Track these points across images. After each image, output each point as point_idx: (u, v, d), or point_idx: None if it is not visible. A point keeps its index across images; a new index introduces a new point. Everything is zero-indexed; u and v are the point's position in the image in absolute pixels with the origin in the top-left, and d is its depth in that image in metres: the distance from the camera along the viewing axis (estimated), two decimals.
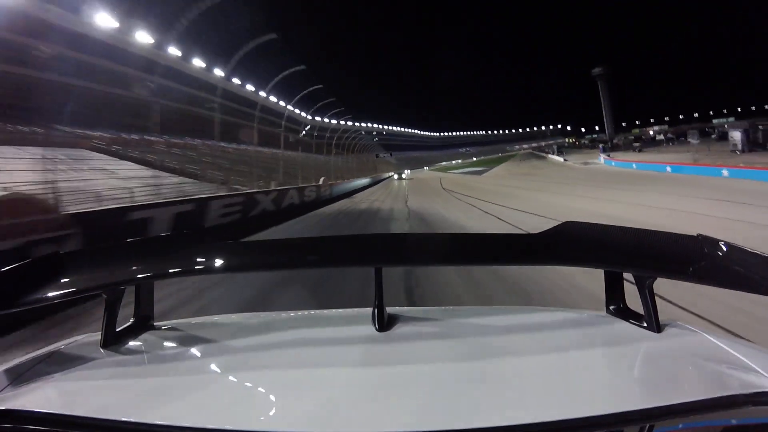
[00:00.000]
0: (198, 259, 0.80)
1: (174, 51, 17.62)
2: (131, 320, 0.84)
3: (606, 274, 0.84)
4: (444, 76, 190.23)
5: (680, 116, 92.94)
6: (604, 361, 0.71)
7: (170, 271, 0.79)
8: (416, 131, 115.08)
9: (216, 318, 0.99)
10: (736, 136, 24.97)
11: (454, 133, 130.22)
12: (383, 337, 0.77)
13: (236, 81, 22.84)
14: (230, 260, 0.84)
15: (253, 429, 0.50)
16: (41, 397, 0.59)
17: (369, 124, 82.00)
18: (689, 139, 30.98)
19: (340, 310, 1.01)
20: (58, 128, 13.22)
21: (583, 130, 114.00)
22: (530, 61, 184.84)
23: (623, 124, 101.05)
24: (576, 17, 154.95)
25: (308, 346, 0.77)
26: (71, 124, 14.24)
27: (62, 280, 0.71)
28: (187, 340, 0.82)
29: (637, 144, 35.33)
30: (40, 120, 12.27)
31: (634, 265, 0.77)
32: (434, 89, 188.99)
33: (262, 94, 25.03)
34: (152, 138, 17.18)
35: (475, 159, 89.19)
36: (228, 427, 0.51)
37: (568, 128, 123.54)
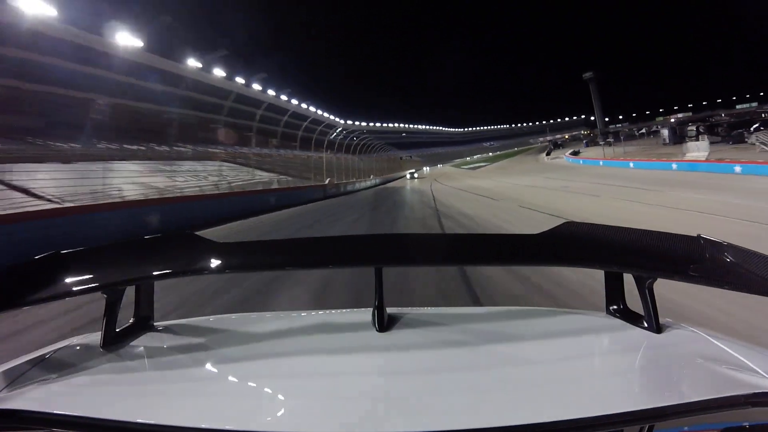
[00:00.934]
0: (198, 259, 0.81)
1: (256, 87, 29.08)
2: (131, 320, 0.84)
3: (606, 274, 0.86)
4: (467, 71, 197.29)
5: (703, 103, 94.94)
6: (604, 362, 0.72)
7: (170, 271, 0.79)
8: (441, 128, 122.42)
9: (216, 318, 1.00)
10: (664, 132, 33.16)
11: (478, 128, 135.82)
12: (383, 338, 0.77)
13: (294, 101, 33.45)
14: (230, 260, 0.85)
15: (253, 429, 0.51)
16: (41, 397, 0.59)
17: (396, 125, 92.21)
18: (662, 133, 37.30)
19: (341, 311, 1.03)
20: (203, 149, 24.47)
21: (606, 119, 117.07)
22: (548, 53, 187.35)
23: (647, 112, 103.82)
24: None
25: (308, 347, 0.77)
26: (206, 144, 25.46)
27: (62, 280, 0.71)
28: (187, 340, 0.82)
29: (610, 140, 42.14)
30: (195, 142, 23.68)
31: (634, 266, 0.77)
32: (458, 86, 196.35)
33: (312, 108, 35.74)
34: (253, 151, 28.36)
35: (490, 154, 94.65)
36: (228, 427, 0.51)
37: (592, 118, 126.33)
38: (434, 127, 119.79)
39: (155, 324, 0.88)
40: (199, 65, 23.10)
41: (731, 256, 0.72)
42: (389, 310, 0.86)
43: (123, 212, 10.69)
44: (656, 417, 0.52)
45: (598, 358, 0.74)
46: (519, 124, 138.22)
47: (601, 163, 30.34)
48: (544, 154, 57.86)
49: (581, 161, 35.49)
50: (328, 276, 3.97)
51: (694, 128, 30.55)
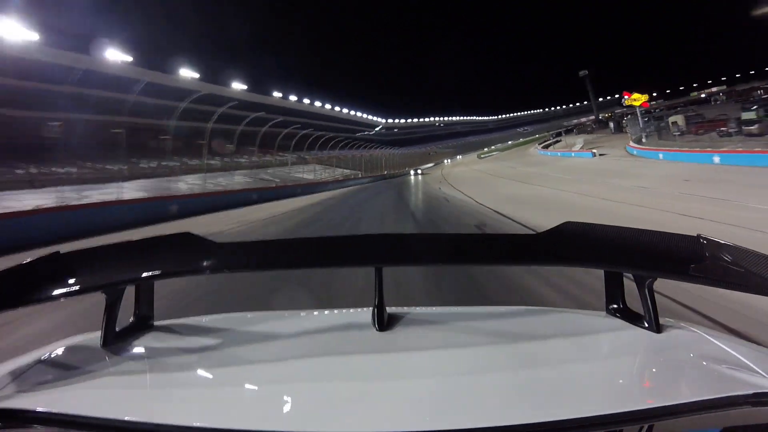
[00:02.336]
0: (198, 259, 0.82)
1: (328, 106, 48.59)
2: (131, 320, 0.85)
3: (606, 274, 0.87)
4: (497, 61, 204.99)
5: (736, 75, 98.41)
6: (604, 361, 0.72)
7: (170, 271, 0.80)
8: (476, 117, 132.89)
9: (216, 318, 1.01)
10: (611, 124, 46.48)
11: (513, 114, 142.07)
12: (383, 337, 0.78)
13: (358, 113, 51.45)
14: (230, 260, 0.87)
15: (253, 429, 0.51)
16: (41, 397, 0.60)
17: (432, 118, 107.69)
18: (609, 125, 46.01)
19: (341, 310, 1.05)
20: (297, 155, 42.76)
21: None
22: (579, 32, 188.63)
23: (680, 88, 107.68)
24: None
25: (308, 346, 0.78)
26: (299, 151, 43.70)
27: (62, 280, 0.72)
28: (187, 340, 0.84)
29: (591, 128, 54.61)
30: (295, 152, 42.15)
31: (634, 265, 0.78)
32: (489, 74, 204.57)
33: (358, 114, 54.00)
34: (329, 155, 46.49)
35: (510, 143, 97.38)
36: (228, 427, 0.51)
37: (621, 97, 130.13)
38: (468, 117, 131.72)
39: (155, 324, 0.88)
40: (295, 97, 41.70)
41: (731, 256, 0.72)
42: (389, 309, 0.87)
43: (289, 189, 26.99)
44: (656, 417, 0.52)
45: (598, 358, 0.74)
46: (553, 107, 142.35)
47: (549, 153, 40.72)
48: (537, 145, 58.63)
49: (548, 153, 42.86)
50: (331, 276, 4.03)
51: (624, 120, 42.20)
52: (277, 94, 44.58)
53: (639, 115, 30.30)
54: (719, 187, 10.93)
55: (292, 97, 43.77)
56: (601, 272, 0.88)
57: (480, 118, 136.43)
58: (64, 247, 0.80)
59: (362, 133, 77.76)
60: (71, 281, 0.72)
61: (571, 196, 13.31)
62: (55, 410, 0.55)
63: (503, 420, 0.51)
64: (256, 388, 0.66)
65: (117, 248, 0.85)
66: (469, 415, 0.54)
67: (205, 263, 0.82)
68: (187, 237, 0.85)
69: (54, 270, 0.74)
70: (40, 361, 0.72)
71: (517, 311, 0.99)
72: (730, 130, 21.18)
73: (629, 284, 0.83)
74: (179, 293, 4.10)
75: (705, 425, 0.55)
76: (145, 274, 0.79)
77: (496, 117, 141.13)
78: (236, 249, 0.90)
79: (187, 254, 0.85)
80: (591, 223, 0.85)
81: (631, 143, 26.28)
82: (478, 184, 22.15)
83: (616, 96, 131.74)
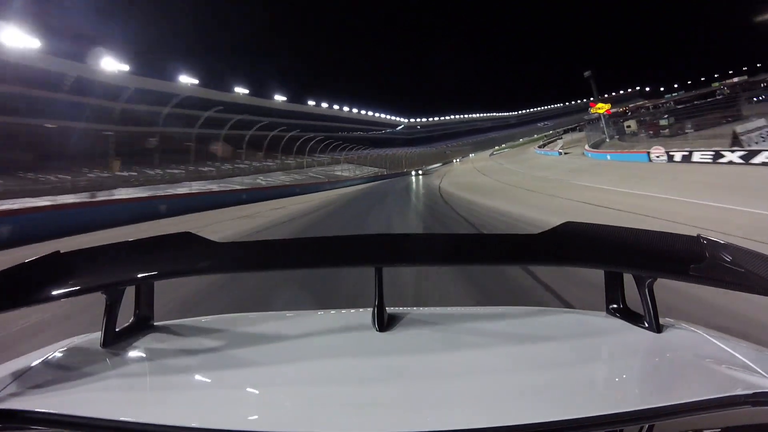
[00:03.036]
0: (198, 259, 0.83)
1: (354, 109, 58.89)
2: (131, 320, 0.86)
3: (606, 274, 0.87)
4: (516, 55, 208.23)
5: (758, 65, 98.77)
6: (604, 361, 0.73)
7: (170, 271, 0.80)
8: (495, 114, 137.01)
9: (216, 318, 1.02)
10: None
11: (534, 109, 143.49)
12: (383, 338, 0.78)
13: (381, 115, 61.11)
14: (230, 260, 0.87)
15: (252, 429, 0.52)
16: (41, 397, 0.60)
17: (452, 116, 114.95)
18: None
19: (341, 311, 1.05)
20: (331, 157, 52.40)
21: (662, 89, 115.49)
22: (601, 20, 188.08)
23: (701, 78, 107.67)
24: None
25: (309, 346, 0.79)
26: (335, 153, 53.29)
27: (62, 280, 0.72)
28: (187, 340, 0.84)
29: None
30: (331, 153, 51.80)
31: (634, 266, 0.78)
32: (509, 68, 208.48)
33: (384, 115, 64.32)
34: (359, 154, 55.81)
35: (522, 140, 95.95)
36: (228, 427, 0.52)
37: (647, 89, 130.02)
38: (489, 114, 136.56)
39: (155, 324, 0.88)
40: (335, 106, 51.78)
41: (731, 256, 0.73)
42: (389, 310, 0.87)
43: (327, 185, 36.02)
44: (656, 417, 0.52)
45: (598, 358, 0.75)
46: (575, 101, 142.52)
47: (538, 151, 43.87)
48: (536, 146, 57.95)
49: (538, 151, 44.74)
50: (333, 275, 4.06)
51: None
52: (311, 103, 54.94)
53: (603, 120, 34.35)
54: (594, 176, 16.49)
55: (324, 104, 54.63)
56: (600, 271, 0.87)
57: (501, 114, 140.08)
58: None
59: (385, 132, 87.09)
60: (71, 281, 0.73)
61: (491, 182, 21.54)
62: (55, 411, 0.56)
63: (503, 420, 0.52)
64: (256, 388, 0.65)
65: (117, 248, 0.86)
66: (470, 415, 0.54)
67: (205, 263, 0.83)
68: (187, 237, 0.85)
69: (54, 270, 0.74)
70: (40, 362, 0.72)
71: (517, 311, 0.99)
72: (652, 133, 26.32)
73: (629, 284, 0.83)
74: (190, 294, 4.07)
75: (705, 425, 0.55)
76: (145, 274, 0.79)
77: (516, 112, 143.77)
78: (236, 249, 0.91)
79: (187, 254, 0.85)
80: (591, 223, 0.86)
81: (587, 146, 30.12)
82: (462, 174, 31.35)
83: (637, 88, 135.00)
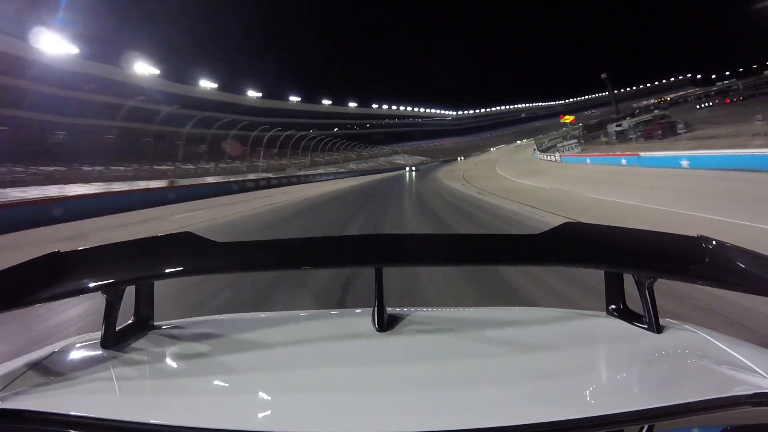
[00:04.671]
0: (198, 259, 0.84)
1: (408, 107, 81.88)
2: (131, 320, 0.86)
3: (606, 274, 0.88)
4: (563, 45, 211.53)
5: None
6: (604, 361, 0.74)
7: (170, 271, 0.81)
8: (540, 103, 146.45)
9: (216, 318, 1.04)
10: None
11: (582, 98, 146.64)
12: (384, 338, 0.79)
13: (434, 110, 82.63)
14: (230, 260, 0.88)
15: (252, 429, 0.53)
16: (41, 397, 0.61)
17: (499, 108, 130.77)
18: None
19: (341, 310, 1.07)
20: (390, 149, 74.29)
21: (713, 76, 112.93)
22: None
23: (754, 66, 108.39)
24: None
25: (309, 346, 0.80)
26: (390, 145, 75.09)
27: (62, 280, 0.73)
28: (187, 340, 0.85)
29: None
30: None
31: (634, 266, 0.79)
32: (559, 58, 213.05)
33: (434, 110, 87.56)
34: (411, 146, 77.35)
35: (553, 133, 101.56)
36: (228, 427, 0.52)
37: (698, 76, 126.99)
38: (535, 104, 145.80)
39: (155, 324, 0.90)
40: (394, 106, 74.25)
41: (731, 256, 0.74)
42: (389, 310, 0.88)
43: (396, 167, 57.53)
44: (656, 417, 0.53)
45: (598, 358, 0.75)
46: (622, 89, 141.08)
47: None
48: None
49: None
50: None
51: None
52: (374, 105, 76.98)
53: (579, 130, 39.54)
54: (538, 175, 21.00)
55: (383, 105, 76.94)
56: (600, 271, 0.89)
57: (547, 103, 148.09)
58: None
59: (435, 125, 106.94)
60: (71, 281, 0.73)
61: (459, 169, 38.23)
62: (55, 410, 0.56)
63: (504, 420, 0.52)
64: (255, 388, 0.66)
65: (117, 248, 0.86)
66: (470, 415, 0.55)
67: (205, 263, 0.84)
68: (187, 237, 0.86)
69: (54, 270, 0.75)
70: (40, 362, 0.73)
71: (517, 312, 1.00)
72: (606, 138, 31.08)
73: (629, 284, 0.84)
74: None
75: (705, 425, 0.56)
76: (145, 274, 0.81)
77: (564, 101, 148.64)
78: (236, 249, 0.91)
79: (187, 254, 0.86)
80: (591, 224, 0.88)
81: (537, 152, 36.52)
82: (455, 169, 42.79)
83: (680, 77, 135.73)
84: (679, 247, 0.80)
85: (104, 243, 0.86)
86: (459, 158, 69.33)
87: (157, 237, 0.88)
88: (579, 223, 0.87)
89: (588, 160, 24.83)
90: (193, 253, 0.85)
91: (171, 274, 0.80)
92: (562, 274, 3.92)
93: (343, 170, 51.38)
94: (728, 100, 45.31)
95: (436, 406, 0.58)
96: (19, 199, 14.69)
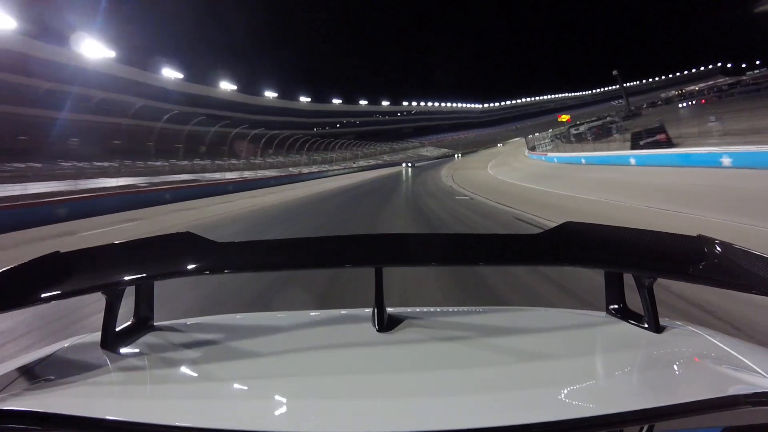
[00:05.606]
0: (198, 259, 0.84)
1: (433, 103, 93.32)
2: (131, 320, 0.87)
3: (606, 274, 0.89)
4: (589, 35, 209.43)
5: None
6: (604, 361, 0.74)
7: (170, 271, 0.82)
8: (567, 94, 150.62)
9: (216, 318, 1.04)
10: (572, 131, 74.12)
11: (611, 87, 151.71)
12: (383, 338, 0.80)
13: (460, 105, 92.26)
14: (230, 260, 0.90)
15: (252, 429, 0.53)
16: (41, 397, 0.61)
17: (524, 99, 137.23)
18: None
19: (341, 311, 1.07)
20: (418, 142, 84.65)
21: (744, 66, 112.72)
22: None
23: None
24: None
25: (308, 347, 0.80)
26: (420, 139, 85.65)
27: (62, 280, 0.73)
28: (187, 340, 0.85)
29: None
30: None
31: (634, 266, 0.79)
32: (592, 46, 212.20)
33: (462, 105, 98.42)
34: (437, 138, 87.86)
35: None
36: (228, 427, 0.53)
37: (729, 65, 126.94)
38: (563, 94, 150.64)
39: (155, 324, 0.90)
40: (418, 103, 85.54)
41: (731, 256, 0.74)
42: (389, 310, 0.88)
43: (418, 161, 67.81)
44: (656, 417, 0.53)
45: (598, 358, 0.75)
46: (655, 78, 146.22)
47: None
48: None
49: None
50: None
51: None
52: (404, 103, 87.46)
53: (551, 132, 41.22)
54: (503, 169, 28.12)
55: (413, 103, 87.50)
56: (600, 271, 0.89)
57: (575, 93, 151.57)
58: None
59: (461, 118, 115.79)
60: (71, 281, 0.74)
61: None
62: (54, 411, 0.56)
63: (503, 420, 0.53)
64: (255, 388, 0.67)
65: (117, 248, 0.88)
66: (470, 415, 0.55)
67: (205, 263, 0.84)
68: (187, 237, 0.87)
69: (54, 270, 0.75)
70: (40, 362, 0.74)
71: (517, 311, 1.02)
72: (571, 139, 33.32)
73: (629, 284, 0.84)
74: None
75: (705, 425, 0.56)
76: (145, 274, 0.80)
77: (591, 91, 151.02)
78: (236, 249, 0.92)
79: (187, 254, 0.86)
80: (591, 223, 0.88)
81: (527, 149, 38.47)
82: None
83: (710, 66, 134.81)
84: (679, 247, 0.82)
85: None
86: (499, 145, 75.66)
87: (157, 237, 0.89)
88: (579, 223, 0.89)
89: (555, 159, 29.05)
90: (193, 253, 0.87)
91: (171, 274, 0.82)
92: (547, 274, 4.03)
93: (380, 162, 62.82)
94: (704, 101, 48.87)
95: (435, 407, 0.59)
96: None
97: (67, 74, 27.00)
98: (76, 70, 27.70)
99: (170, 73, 39.98)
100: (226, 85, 49.72)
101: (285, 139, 49.37)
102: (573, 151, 27.98)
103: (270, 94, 57.90)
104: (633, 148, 19.75)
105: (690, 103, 50.36)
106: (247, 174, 36.65)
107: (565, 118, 55.77)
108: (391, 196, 17.55)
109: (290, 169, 46.20)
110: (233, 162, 40.94)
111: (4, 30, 23.37)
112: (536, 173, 21.69)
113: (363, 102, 79.80)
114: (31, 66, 24.82)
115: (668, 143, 18.15)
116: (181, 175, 29.65)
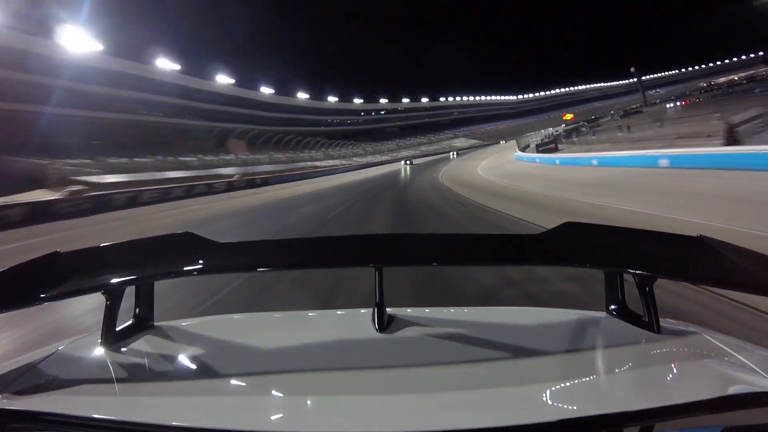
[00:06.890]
0: (198, 259, 0.85)
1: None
2: (131, 320, 0.87)
3: (606, 274, 0.88)
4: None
5: None
6: (604, 361, 0.74)
7: (170, 271, 0.82)
8: (601, 84, 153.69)
9: (216, 318, 1.05)
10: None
11: (647, 77, 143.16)
12: (383, 338, 0.80)
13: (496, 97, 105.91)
14: (230, 260, 0.90)
15: (252, 429, 0.53)
16: (41, 397, 0.61)
17: (557, 90, 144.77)
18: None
19: (341, 311, 1.08)
20: (452, 133, 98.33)
21: None
22: None
23: None
24: None
25: (308, 347, 0.80)
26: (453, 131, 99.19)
27: (62, 280, 0.73)
28: (186, 340, 0.86)
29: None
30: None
31: (634, 266, 0.79)
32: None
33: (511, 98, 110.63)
34: (471, 130, 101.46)
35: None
36: (228, 427, 0.53)
37: (762, 53, 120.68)
38: (597, 84, 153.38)
39: (155, 324, 0.90)
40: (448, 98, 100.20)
41: (731, 256, 0.74)
42: (389, 310, 0.88)
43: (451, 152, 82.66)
44: (656, 417, 0.53)
45: (598, 358, 0.75)
46: (690, 67, 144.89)
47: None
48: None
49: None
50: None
51: None
52: (441, 99, 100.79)
53: (543, 131, 43.30)
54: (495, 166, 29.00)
55: (450, 98, 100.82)
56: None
57: (609, 83, 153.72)
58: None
59: (494, 110, 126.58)
60: (71, 281, 0.74)
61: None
62: (55, 410, 0.56)
63: (504, 420, 0.53)
64: (255, 388, 0.67)
65: (117, 248, 0.88)
66: (470, 415, 0.56)
67: (205, 263, 0.85)
68: (187, 237, 0.87)
69: (54, 270, 0.76)
70: (40, 362, 0.73)
71: (517, 311, 1.02)
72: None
73: (629, 284, 0.84)
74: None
75: (705, 425, 0.56)
76: (145, 274, 0.81)
77: (627, 81, 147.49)
78: (237, 249, 0.92)
79: (187, 254, 0.87)
80: (591, 224, 0.89)
81: (517, 150, 37.25)
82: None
83: (734, 59, 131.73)
84: (679, 247, 0.83)
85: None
86: (501, 142, 78.19)
87: (157, 237, 0.90)
88: (579, 223, 0.89)
89: (536, 159, 29.95)
90: (193, 253, 0.87)
91: (171, 274, 0.82)
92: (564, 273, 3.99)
93: (417, 152, 76.93)
94: (687, 101, 52.27)
95: (435, 406, 0.59)
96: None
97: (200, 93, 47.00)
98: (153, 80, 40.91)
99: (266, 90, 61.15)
100: (302, 95, 69.02)
101: (346, 134, 67.87)
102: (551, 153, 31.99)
103: (332, 99, 74.26)
104: (537, 152, 30.27)
105: (676, 104, 54.09)
106: (318, 164, 54.16)
107: (569, 116, 60.59)
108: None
109: (354, 159, 63.40)
110: (312, 153, 59.94)
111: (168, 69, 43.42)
112: (514, 171, 23.73)
113: (405, 99, 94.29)
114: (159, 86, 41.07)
115: (556, 149, 29.27)
116: (275, 165, 47.10)
